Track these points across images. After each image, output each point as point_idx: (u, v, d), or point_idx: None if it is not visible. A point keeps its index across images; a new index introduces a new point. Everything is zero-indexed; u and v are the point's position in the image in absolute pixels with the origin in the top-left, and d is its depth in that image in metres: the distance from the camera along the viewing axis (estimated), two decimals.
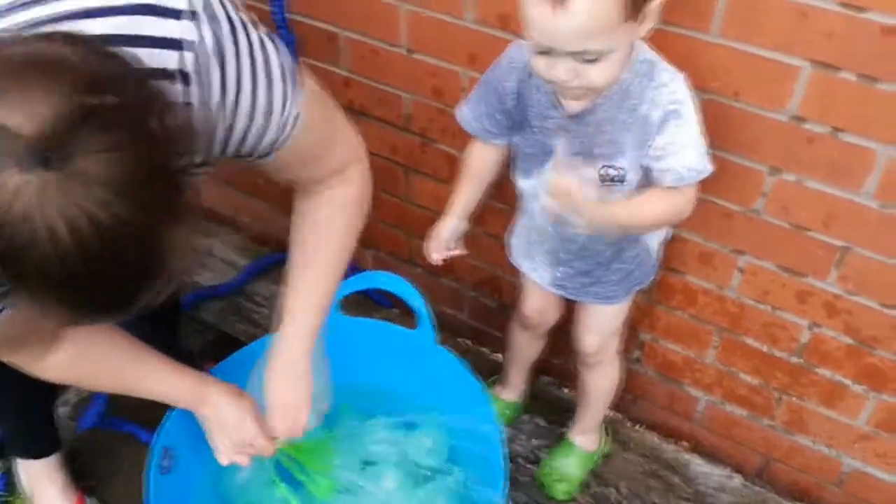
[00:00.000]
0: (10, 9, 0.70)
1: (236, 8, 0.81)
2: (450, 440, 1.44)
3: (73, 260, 0.57)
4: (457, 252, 1.26)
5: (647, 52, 1.07)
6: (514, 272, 1.42)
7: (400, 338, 1.42)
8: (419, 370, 1.42)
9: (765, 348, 1.39)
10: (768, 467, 1.55)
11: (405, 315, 1.75)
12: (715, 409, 1.54)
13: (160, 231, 0.61)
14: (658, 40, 1.08)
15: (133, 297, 0.63)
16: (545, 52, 0.99)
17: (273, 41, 0.85)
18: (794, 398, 1.42)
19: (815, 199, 1.18)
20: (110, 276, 0.60)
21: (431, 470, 1.42)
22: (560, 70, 0.99)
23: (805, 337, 1.34)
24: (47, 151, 0.55)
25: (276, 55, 0.84)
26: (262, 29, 0.85)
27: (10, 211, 0.55)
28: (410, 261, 1.80)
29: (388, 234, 1.79)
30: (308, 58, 1.59)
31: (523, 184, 1.23)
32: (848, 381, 1.34)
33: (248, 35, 0.80)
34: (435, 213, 1.65)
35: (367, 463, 1.42)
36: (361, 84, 1.56)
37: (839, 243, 1.21)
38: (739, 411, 1.51)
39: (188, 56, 0.74)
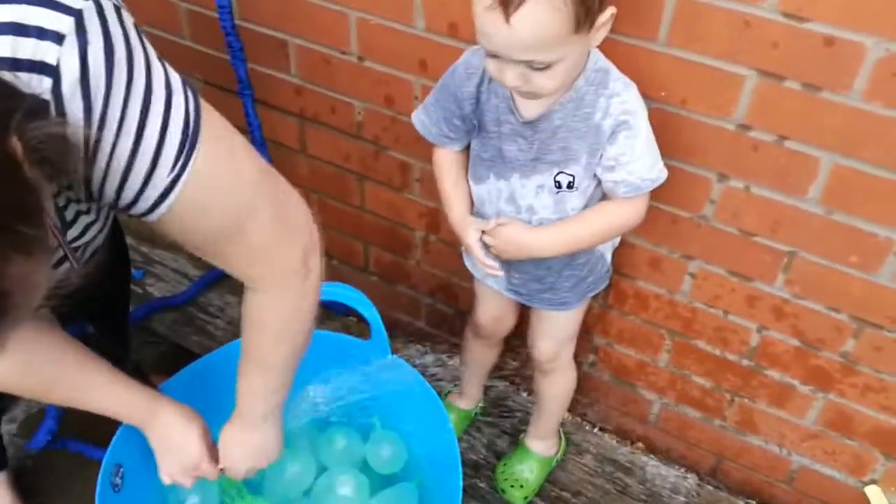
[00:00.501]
0: None
1: (144, 45, 0.73)
2: (406, 449, 1.43)
3: None
4: (491, 224, 1.21)
5: (601, 61, 1.08)
6: (470, 278, 1.42)
7: (354, 348, 1.41)
8: (374, 381, 1.41)
9: (716, 351, 1.41)
10: (721, 467, 1.58)
11: (362, 322, 1.74)
12: (669, 411, 1.56)
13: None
14: (607, 49, 1.09)
15: None
16: (495, 56, 0.98)
17: (186, 90, 0.77)
18: (745, 399, 1.45)
19: (762, 206, 1.20)
20: None
21: (388, 478, 1.41)
22: (509, 75, 0.99)
23: (755, 340, 1.36)
24: None
25: (171, 100, 0.75)
26: (176, 77, 0.77)
27: None
28: (365, 269, 1.78)
29: (343, 243, 1.77)
30: (258, 65, 1.57)
31: (477, 189, 1.22)
32: (796, 382, 1.37)
33: (130, 67, 0.71)
34: (389, 221, 1.65)
35: (324, 468, 1.41)
36: (313, 92, 1.54)
37: (786, 248, 1.23)
38: (693, 413, 1.53)
39: (48, 81, 0.66)
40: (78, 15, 0.67)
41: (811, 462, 1.45)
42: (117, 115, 0.71)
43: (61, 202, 0.79)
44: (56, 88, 0.67)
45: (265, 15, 1.48)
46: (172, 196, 0.78)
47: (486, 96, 1.13)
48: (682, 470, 1.61)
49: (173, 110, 0.75)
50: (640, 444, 1.66)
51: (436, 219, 1.57)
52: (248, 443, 1.13)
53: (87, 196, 0.78)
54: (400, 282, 1.75)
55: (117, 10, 0.71)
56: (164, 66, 0.76)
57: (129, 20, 0.73)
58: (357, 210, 1.68)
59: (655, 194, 1.16)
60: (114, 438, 1.22)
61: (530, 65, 0.97)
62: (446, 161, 1.23)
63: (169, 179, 0.76)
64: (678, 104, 1.17)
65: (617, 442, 1.65)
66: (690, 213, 1.28)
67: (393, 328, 1.40)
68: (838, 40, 1.01)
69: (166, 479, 1.15)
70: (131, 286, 1.89)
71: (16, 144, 0.56)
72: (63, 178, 0.72)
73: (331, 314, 1.83)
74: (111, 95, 0.70)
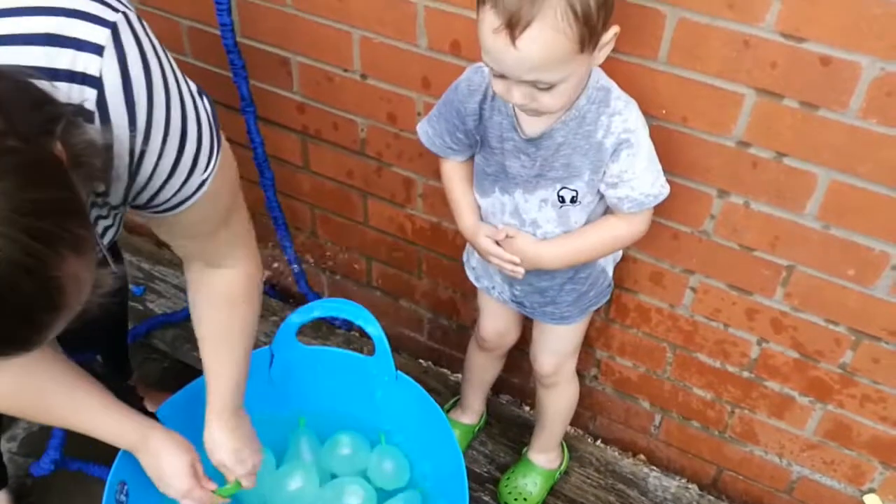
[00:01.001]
0: None
1: (167, 56, 0.78)
2: (409, 465, 1.44)
3: None
4: (502, 234, 1.22)
5: (603, 80, 1.10)
6: (473, 293, 1.43)
7: (358, 365, 1.42)
8: (379, 396, 1.42)
9: (717, 364, 1.43)
10: (722, 477, 1.59)
11: (365, 337, 1.75)
12: (670, 423, 1.58)
13: (54, 263, 0.57)
14: (609, 68, 1.11)
15: (31, 331, 0.59)
16: (502, 76, 1.00)
17: (202, 95, 0.83)
18: (745, 411, 1.46)
19: (761, 221, 1.22)
20: (6, 308, 0.56)
21: (393, 492, 1.42)
22: (516, 95, 1.01)
23: (754, 352, 1.38)
24: None
25: (198, 106, 0.81)
26: (192, 84, 0.82)
27: None
28: (368, 284, 1.80)
29: (346, 258, 1.78)
30: (261, 83, 1.58)
31: (482, 202, 1.24)
32: (795, 394, 1.39)
33: (165, 81, 0.76)
34: (392, 237, 1.66)
35: (328, 473, 1.42)
36: (316, 109, 1.55)
37: (784, 263, 1.25)
38: (694, 424, 1.55)
39: (91, 92, 0.69)
40: (113, 27, 0.70)
41: (811, 472, 1.47)
42: (161, 123, 0.75)
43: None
44: (101, 99, 0.69)
45: (268, 33, 1.50)
46: (201, 192, 0.83)
47: (489, 113, 1.15)
48: (684, 481, 1.62)
49: (202, 114, 0.80)
50: (641, 456, 1.67)
51: (439, 234, 1.59)
52: (240, 437, 1.16)
53: (122, 200, 0.80)
54: (403, 297, 1.76)
55: (139, 20, 0.74)
56: (181, 72, 0.80)
57: (149, 29, 0.76)
58: (360, 226, 1.69)
59: (657, 210, 1.17)
60: (118, 455, 1.23)
61: (535, 84, 0.99)
62: (453, 172, 1.26)
63: (202, 178, 0.82)
64: (679, 122, 1.19)
65: (619, 454, 1.67)
66: (691, 229, 1.30)
67: (395, 343, 1.41)
68: (835, 60, 1.04)
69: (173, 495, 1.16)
70: (131, 303, 1.90)
71: (61, 151, 0.59)
72: (100, 184, 0.75)
73: (333, 329, 1.84)
74: (153, 104, 0.74)
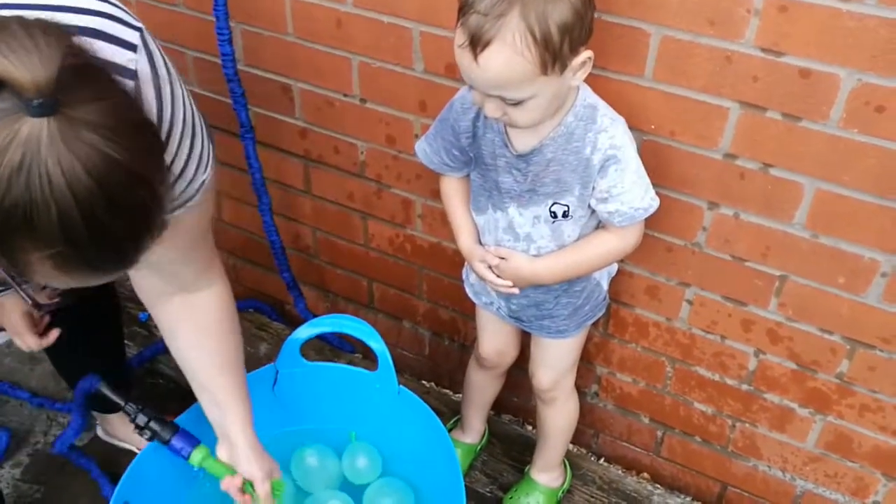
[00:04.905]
0: None
1: (170, 63, 0.86)
2: (412, 484, 1.44)
3: (67, 203, 0.59)
4: (495, 260, 1.24)
5: (590, 98, 1.13)
6: (474, 313, 1.46)
7: (361, 380, 1.44)
8: (381, 412, 1.43)
9: (716, 377, 1.44)
10: (726, 494, 1.59)
11: (368, 359, 1.77)
12: (672, 439, 1.58)
13: (148, 179, 0.64)
14: (597, 85, 1.15)
15: (125, 248, 0.66)
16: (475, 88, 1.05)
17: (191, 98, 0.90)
18: (746, 424, 1.47)
19: (751, 231, 1.25)
20: (104, 222, 0.61)
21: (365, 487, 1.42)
22: (488, 107, 1.05)
23: (752, 364, 1.39)
24: (47, 100, 0.58)
25: (194, 109, 0.88)
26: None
27: (11, 158, 0.57)
28: (370, 305, 1.82)
29: (347, 280, 1.81)
30: (264, 109, 1.63)
31: (478, 219, 1.27)
32: (795, 405, 1.39)
33: (180, 82, 0.85)
34: (393, 257, 1.69)
35: (299, 490, 1.42)
36: (317, 134, 1.60)
37: (777, 272, 1.27)
38: (696, 440, 1.55)
39: (129, 84, 0.77)
40: (140, 31, 0.80)
41: (815, 486, 1.46)
42: (180, 118, 0.82)
43: None
44: (136, 91, 0.77)
45: (271, 61, 1.55)
46: (200, 193, 0.89)
47: (482, 131, 1.18)
48: (688, 499, 1.62)
49: (197, 116, 0.87)
50: (645, 474, 1.67)
51: (438, 253, 1.62)
52: (263, 451, 1.18)
53: None
54: (404, 318, 1.79)
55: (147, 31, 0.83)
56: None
57: None
58: (362, 247, 1.72)
59: (650, 223, 1.20)
60: (123, 476, 1.25)
61: (503, 99, 1.03)
62: (451, 189, 1.29)
63: (204, 177, 0.88)
64: (667, 136, 1.22)
65: (622, 472, 1.66)
66: (684, 241, 1.32)
67: (398, 364, 1.43)
68: (814, 72, 1.07)
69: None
70: (137, 328, 1.93)
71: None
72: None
73: (336, 350, 1.86)
74: (175, 100, 0.82)
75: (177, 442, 1.17)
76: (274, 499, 1.19)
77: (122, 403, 1.19)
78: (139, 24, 0.80)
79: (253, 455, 1.16)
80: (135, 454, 1.37)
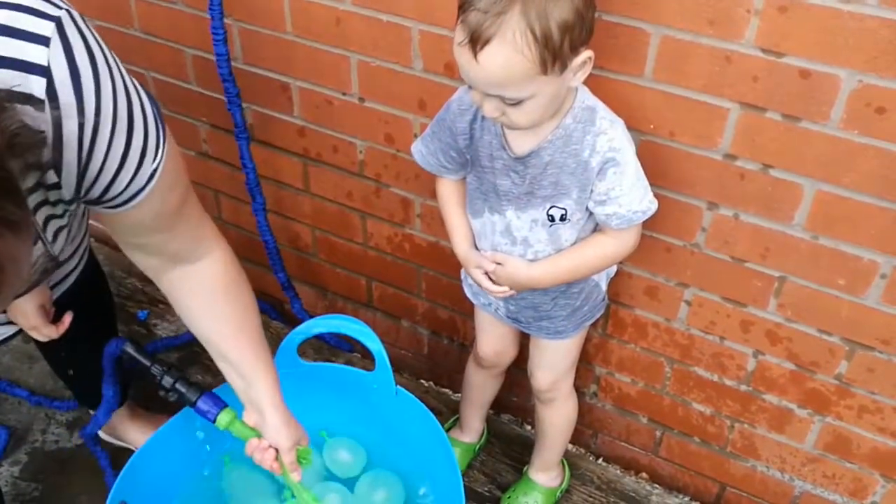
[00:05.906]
0: None
1: (106, 49, 0.81)
2: (409, 483, 1.44)
3: None
4: (491, 266, 1.24)
5: (589, 99, 1.12)
6: (472, 312, 1.45)
7: (358, 380, 1.43)
8: (379, 412, 1.43)
9: (715, 377, 1.44)
10: (725, 495, 1.59)
11: (367, 359, 1.77)
12: (671, 439, 1.58)
13: None
14: (596, 85, 1.14)
15: None
16: (474, 87, 1.04)
17: (138, 87, 0.85)
18: (745, 425, 1.46)
19: (751, 232, 1.24)
20: None
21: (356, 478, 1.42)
22: (487, 107, 1.04)
23: (751, 365, 1.38)
24: None
25: (141, 97, 0.84)
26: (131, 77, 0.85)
27: None
28: (369, 305, 1.82)
29: (346, 279, 1.81)
30: (262, 108, 1.63)
31: (474, 222, 1.27)
32: (794, 406, 1.39)
33: (110, 72, 0.79)
34: (392, 256, 1.69)
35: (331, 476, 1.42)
36: (316, 132, 1.60)
37: (776, 273, 1.27)
38: (695, 440, 1.55)
39: (40, 80, 0.72)
40: (58, 21, 0.74)
41: (813, 487, 1.46)
42: (109, 112, 0.78)
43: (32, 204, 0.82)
44: (50, 88, 0.73)
45: (269, 59, 1.55)
46: (153, 182, 0.85)
47: (479, 133, 1.18)
48: (687, 499, 1.62)
49: (146, 105, 0.83)
50: (644, 474, 1.67)
51: (437, 252, 1.62)
52: (291, 418, 1.15)
53: (75, 194, 0.82)
54: (403, 317, 1.78)
55: (82, 18, 0.78)
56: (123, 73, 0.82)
57: (92, 27, 0.80)
58: (360, 246, 1.72)
59: (649, 224, 1.20)
60: (119, 476, 1.24)
61: (502, 99, 1.02)
62: (448, 191, 1.28)
63: (153, 167, 0.84)
64: (666, 136, 1.22)
65: (621, 471, 1.66)
66: (684, 242, 1.32)
67: (396, 363, 1.43)
68: (814, 73, 1.07)
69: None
70: (136, 327, 1.92)
71: None
72: (48, 171, 0.77)
73: (334, 350, 1.86)
74: (101, 93, 0.77)
75: (203, 404, 1.15)
76: (300, 466, 1.17)
77: (149, 364, 1.17)
78: (58, 14, 0.74)
79: (280, 422, 1.13)
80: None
